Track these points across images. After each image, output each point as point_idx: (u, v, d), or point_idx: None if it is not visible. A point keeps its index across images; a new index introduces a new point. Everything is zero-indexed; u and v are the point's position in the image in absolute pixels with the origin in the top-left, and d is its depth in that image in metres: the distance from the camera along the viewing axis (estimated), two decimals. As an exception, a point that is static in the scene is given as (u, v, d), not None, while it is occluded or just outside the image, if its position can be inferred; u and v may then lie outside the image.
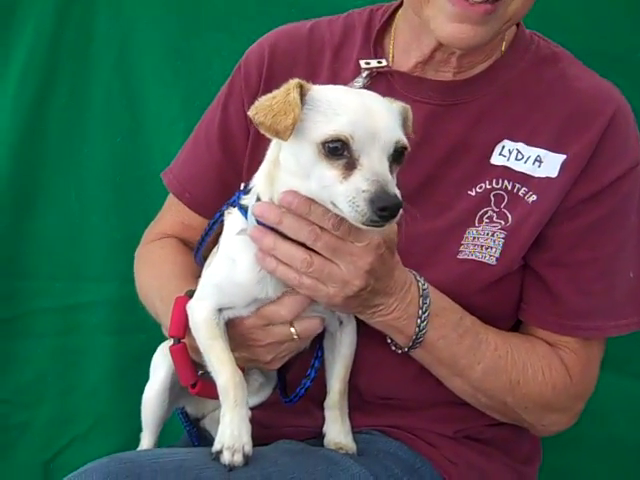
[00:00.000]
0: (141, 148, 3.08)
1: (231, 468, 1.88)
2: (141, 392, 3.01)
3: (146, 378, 3.00)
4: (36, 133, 3.04)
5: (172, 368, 2.19)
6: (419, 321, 2.06)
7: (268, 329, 2.04)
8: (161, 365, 2.23)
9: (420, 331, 2.06)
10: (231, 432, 1.91)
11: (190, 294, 2.10)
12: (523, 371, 2.14)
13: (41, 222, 3.10)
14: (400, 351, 2.12)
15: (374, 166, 1.77)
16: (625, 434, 2.99)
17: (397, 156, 1.82)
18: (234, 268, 1.99)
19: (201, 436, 2.38)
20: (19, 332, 3.14)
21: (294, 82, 1.84)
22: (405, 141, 1.84)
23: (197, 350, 2.05)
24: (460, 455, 2.23)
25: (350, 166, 1.78)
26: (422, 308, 2.05)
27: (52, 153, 3.08)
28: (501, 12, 2.03)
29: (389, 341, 2.13)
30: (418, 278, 2.06)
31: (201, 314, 2.02)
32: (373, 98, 1.88)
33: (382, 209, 1.74)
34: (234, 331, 2.05)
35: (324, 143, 1.80)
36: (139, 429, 3.03)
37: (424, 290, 2.06)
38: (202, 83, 2.99)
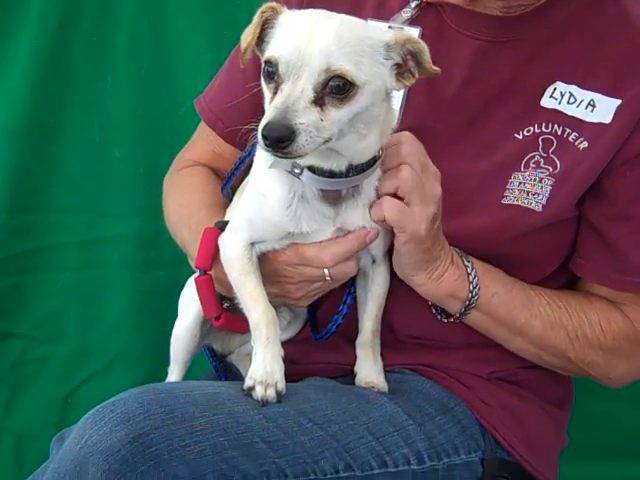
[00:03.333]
0: (167, 80, 3.00)
1: (264, 404, 1.86)
2: (160, 328, 3.01)
3: (166, 314, 2.97)
4: (59, 62, 2.96)
5: None
6: (470, 278, 2.04)
7: (302, 268, 1.99)
8: (192, 300, 2.18)
9: (474, 288, 2.04)
10: (264, 369, 1.88)
11: (219, 226, 2.06)
12: (580, 324, 2.12)
13: (63, 154, 3.03)
14: (452, 320, 2.11)
15: (288, 93, 1.68)
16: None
17: (336, 88, 1.70)
18: (265, 203, 1.93)
19: (228, 371, 2.36)
20: (39, 266, 3.09)
21: (264, 6, 1.79)
22: (344, 71, 1.69)
23: (223, 283, 2.02)
24: (494, 396, 2.20)
25: (276, 91, 1.71)
26: (468, 266, 2.04)
27: (75, 83, 2.99)
28: None
29: (434, 312, 2.13)
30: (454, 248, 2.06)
31: (233, 249, 1.98)
32: (331, 23, 1.74)
33: (263, 136, 1.66)
34: (266, 266, 2.00)
35: (263, 66, 1.75)
36: (158, 365, 3.02)
37: (461, 252, 2.05)
38: (230, 13, 2.91)
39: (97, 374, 3.14)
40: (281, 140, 1.65)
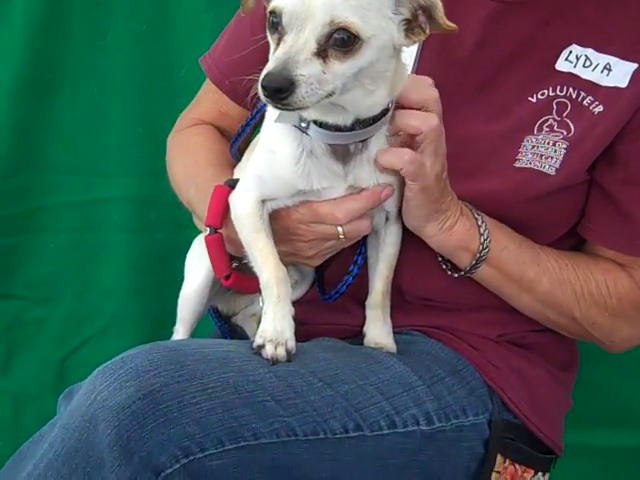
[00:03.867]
0: (168, 38, 2.94)
1: (274, 362, 1.84)
2: (158, 291, 3.03)
3: (164, 277, 2.99)
4: (57, 19, 2.90)
5: None
6: (481, 230, 2.02)
7: (315, 226, 1.97)
8: (200, 261, 2.16)
9: (485, 240, 2.02)
10: (274, 328, 1.86)
11: (229, 184, 2.03)
12: (587, 283, 2.11)
13: (60, 113, 2.97)
14: (462, 274, 2.09)
15: (291, 44, 1.65)
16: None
17: (340, 41, 1.66)
18: (275, 160, 1.90)
19: (233, 332, 2.33)
20: (35, 227, 3.05)
21: None
22: (349, 23, 1.65)
23: (234, 242, 1.99)
24: (502, 358, 2.19)
25: (280, 42, 1.68)
26: (478, 219, 2.03)
27: (74, 40, 2.93)
28: None
29: (444, 267, 2.11)
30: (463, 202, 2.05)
31: (244, 206, 1.95)
32: None
33: (262, 87, 1.63)
34: (278, 224, 1.98)
35: (268, 16, 1.71)
36: (156, 328, 3.02)
37: (471, 206, 2.04)
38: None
39: (94, 336, 3.11)
40: (280, 91, 1.63)
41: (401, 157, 1.87)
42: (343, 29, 1.66)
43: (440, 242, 2.03)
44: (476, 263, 2.05)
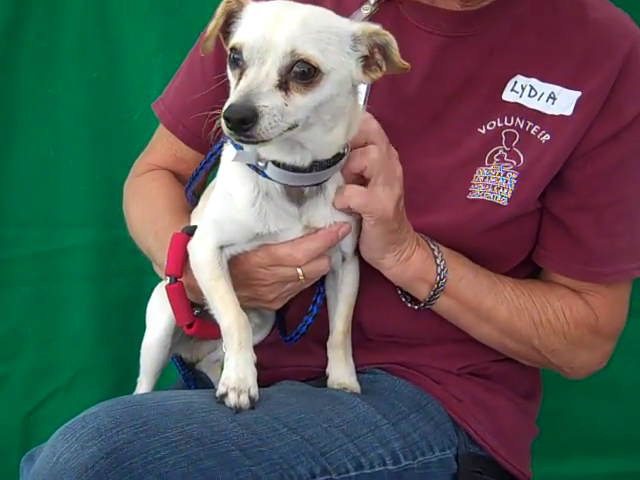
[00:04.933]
0: (119, 84, 2.95)
1: (237, 410, 1.84)
2: (123, 340, 3.00)
3: (128, 325, 2.97)
4: (7, 69, 2.90)
5: None
6: (438, 260, 2.03)
7: (274, 269, 1.97)
8: (161, 310, 2.15)
9: (442, 270, 2.03)
10: (236, 375, 1.86)
11: (187, 231, 2.02)
12: (544, 310, 2.12)
13: (14, 165, 2.97)
14: (421, 306, 2.10)
15: (253, 77, 1.67)
16: (624, 376, 2.98)
17: (301, 73, 1.68)
18: (231, 203, 1.91)
19: (197, 379, 2.33)
20: (-5, 282, 3.03)
21: None
22: (309, 56, 1.67)
23: (194, 289, 1.99)
24: (465, 391, 2.20)
25: (241, 77, 1.70)
26: (434, 249, 2.04)
27: (25, 89, 2.94)
28: None
29: (404, 299, 2.11)
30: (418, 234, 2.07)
31: (203, 253, 1.94)
32: (298, 11, 1.74)
33: (225, 118, 1.63)
34: (237, 269, 1.98)
35: (229, 54, 1.74)
36: (123, 378, 2.99)
37: (427, 237, 2.05)
38: (181, 13, 2.89)
39: (60, 390, 3.08)
40: (244, 121, 1.62)
41: (352, 195, 1.88)
42: (303, 61, 1.69)
43: (398, 273, 2.04)
44: (434, 294, 2.06)
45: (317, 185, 1.88)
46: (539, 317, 2.12)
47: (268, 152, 1.81)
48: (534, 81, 2.08)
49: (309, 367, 2.19)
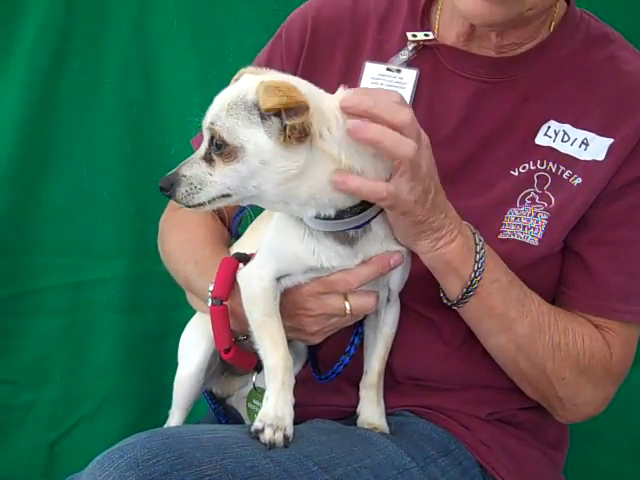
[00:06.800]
0: (157, 119, 3.01)
1: (271, 446, 1.84)
2: (149, 371, 3.03)
3: (155, 357, 2.99)
4: (48, 101, 2.96)
5: (210, 349, 2.16)
6: (477, 257, 1.99)
7: (323, 299, 1.99)
8: (197, 345, 2.18)
9: (478, 268, 1.98)
10: (275, 413, 1.88)
11: (237, 257, 2.05)
12: (565, 333, 2.10)
13: (50, 195, 3.02)
14: (453, 303, 2.04)
15: (197, 150, 1.84)
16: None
17: (216, 146, 1.80)
18: (287, 236, 1.94)
19: (227, 414, 2.34)
20: (25, 310, 3.07)
21: (241, 70, 1.92)
22: (217, 131, 1.79)
23: (238, 316, 2.01)
24: (493, 438, 2.19)
25: None
26: (478, 244, 1.99)
27: (64, 122, 3.00)
28: None
29: (441, 295, 2.07)
30: (466, 223, 2.02)
31: (259, 285, 1.96)
32: (233, 87, 1.85)
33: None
34: (287, 298, 2.00)
35: None
36: (147, 409, 3.01)
37: (475, 230, 2.01)
38: (219, 54, 2.95)
39: (84, 420, 3.10)
40: (162, 189, 1.83)
41: (378, 192, 1.83)
42: (214, 134, 1.80)
43: (432, 260, 1.99)
44: (467, 291, 2.02)
45: (358, 228, 1.90)
46: (559, 339, 2.09)
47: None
48: (567, 127, 2.11)
49: (339, 407, 2.20)
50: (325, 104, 1.81)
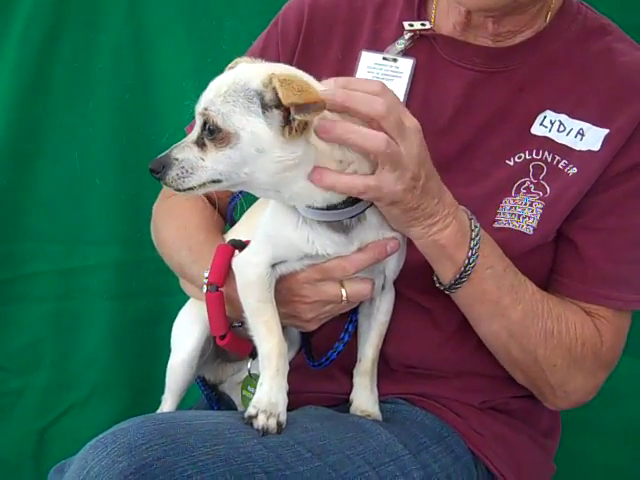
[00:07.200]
0: (149, 106, 3.00)
1: (264, 433, 1.85)
2: (140, 359, 3.02)
3: (146, 344, 2.98)
4: (39, 87, 2.95)
5: (203, 335, 2.16)
6: (472, 243, 1.97)
7: (319, 286, 1.98)
8: (191, 331, 2.18)
9: (472, 255, 1.97)
10: (268, 399, 1.88)
11: (233, 243, 2.05)
12: (558, 320, 2.10)
13: (41, 181, 3.01)
14: (445, 288, 2.03)
15: (189, 135, 1.83)
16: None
17: (209, 131, 1.79)
18: (282, 222, 1.94)
19: (220, 400, 2.34)
20: (15, 296, 3.06)
21: (234, 61, 1.92)
22: (211, 116, 1.78)
23: (234, 302, 2.00)
24: (486, 426, 2.20)
25: None
26: (474, 231, 1.98)
27: (56, 108, 2.99)
28: None
29: (434, 278, 2.05)
30: (463, 208, 2.00)
31: (255, 271, 1.95)
32: (227, 73, 1.86)
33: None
34: (282, 285, 1.99)
35: None
36: (138, 396, 3.00)
37: (472, 215, 2.00)
38: (214, 40, 2.93)
39: (75, 406, 3.10)
40: (153, 171, 1.82)
41: (355, 187, 1.83)
42: (207, 119, 1.79)
43: (425, 245, 1.99)
44: (460, 277, 2.01)
45: (352, 217, 1.90)
46: (552, 327, 2.09)
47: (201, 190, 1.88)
48: (563, 117, 2.12)
49: (331, 394, 2.20)
50: None
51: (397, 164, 1.81)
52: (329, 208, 1.87)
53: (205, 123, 1.80)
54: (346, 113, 1.79)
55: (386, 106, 1.77)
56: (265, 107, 1.76)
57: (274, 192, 1.86)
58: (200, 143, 1.80)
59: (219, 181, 1.81)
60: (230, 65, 1.90)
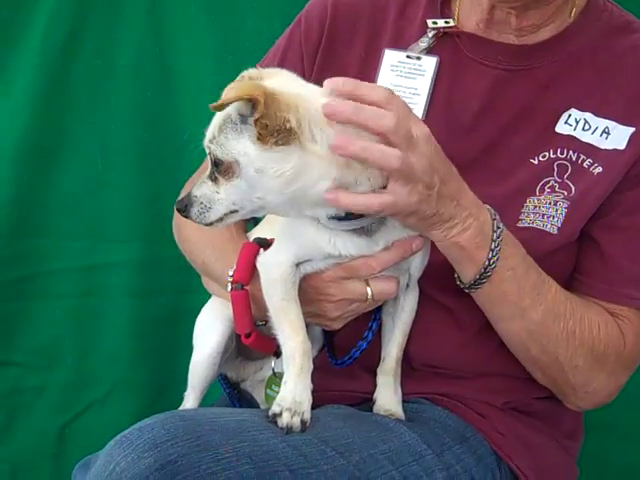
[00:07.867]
0: (171, 104, 2.99)
1: (288, 431, 1.85)
2: (160, 356, 3.02)
3: (166, 342, 2.98)
4: (61, 84, 2.95)
5: (226, 332, 2.16)
6: (493, 245, 1.95)
7: (345, 284, 1.98)
8: (214, 328, 2.18)
9: (493, 256, 1.95)
10: (293, 397, 1.88)
11: (258, 241, 2.05)
12: (580, 321, 2.08)
13: (63, 178, 3.01)
14: (465, 287, 2.02)
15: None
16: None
17: (215, 164, 1.82)
18: (305, 222, 1.93)
19: (241, 398, 2.34)
20: (36, 292, 3.05)
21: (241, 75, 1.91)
22: (212, 150, 1.81)
23: (259, 301, 2.00)
24: (509, 427, 2.19)
25: None
26: (496, 232, 1.95)
27: (78, 105, 2.98)
28: None
29: (455, 276, 2.03)
30: (487, 207, 1.98)
31: (279, 269, 1.96)
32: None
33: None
34: (307, 284, 1.99)
35: None
36: (158, 394, 3.00)
37: (495, 215, 1.97)
38: (235, 38, 2.93)
39: (95, 404, 3.09)
40: (180, 211, 1.89)
41: (372, 206, 1.82)
42: (213, 154, 1.82)
43: (445, 247, 1.97)
44: (480, 278, 1.98)
45: (373, 223, 1.90)
46: (574, 327, 2.07)
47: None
48: (588, 115, 2.10)
49: (354, 392, 2.19)
50: (314, 104, 1.77)
51: (409, 178, 1.80)
52: (349, 218, 1.87)
53: (212, 157, 1.82)
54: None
55: (395, 120, 1.74)
56: (243, 123, 1.77)
57: (295, 211, 1.87)
58: (213, 178, 1.83)
59: (236, 211, 1.84)
60: (237, 79, 1.89)
